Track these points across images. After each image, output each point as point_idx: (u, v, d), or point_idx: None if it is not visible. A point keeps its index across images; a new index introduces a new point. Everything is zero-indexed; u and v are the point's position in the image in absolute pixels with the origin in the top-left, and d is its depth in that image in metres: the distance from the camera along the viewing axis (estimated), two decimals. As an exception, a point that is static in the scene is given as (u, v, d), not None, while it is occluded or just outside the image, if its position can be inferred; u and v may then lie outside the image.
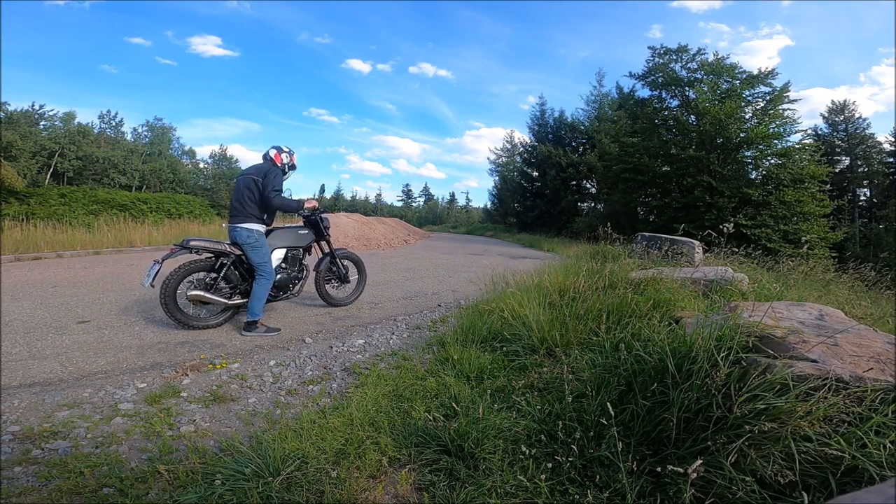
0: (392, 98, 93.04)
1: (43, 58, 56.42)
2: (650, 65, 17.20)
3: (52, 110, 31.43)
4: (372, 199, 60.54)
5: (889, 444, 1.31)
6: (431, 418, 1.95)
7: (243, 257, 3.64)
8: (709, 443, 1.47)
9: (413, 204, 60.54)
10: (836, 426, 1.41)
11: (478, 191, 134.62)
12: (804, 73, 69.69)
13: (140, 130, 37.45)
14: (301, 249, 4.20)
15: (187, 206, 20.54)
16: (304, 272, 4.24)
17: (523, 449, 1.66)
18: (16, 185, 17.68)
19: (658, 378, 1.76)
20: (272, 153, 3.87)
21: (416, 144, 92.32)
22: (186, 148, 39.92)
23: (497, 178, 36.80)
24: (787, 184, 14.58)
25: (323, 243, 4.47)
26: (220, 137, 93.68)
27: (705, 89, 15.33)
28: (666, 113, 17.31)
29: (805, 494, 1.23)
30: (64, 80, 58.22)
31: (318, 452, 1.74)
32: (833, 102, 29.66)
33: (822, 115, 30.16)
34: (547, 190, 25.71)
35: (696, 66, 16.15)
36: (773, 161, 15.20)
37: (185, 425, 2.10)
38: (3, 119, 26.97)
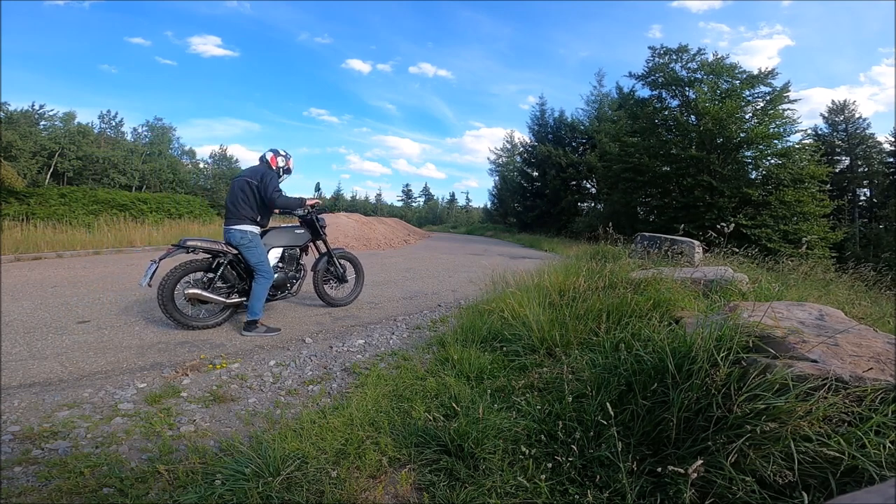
0: (392, 98, 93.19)
1: (43, 58, 56.49)
2: (650, 65, 17.21)
3: (52, 110, 31.47)
4: (372, 199, 60.63)
5: (889, 444, 1.31)
6: (431, 418, 1.95)
7: (240, 257, 3.65)
8: (709, 443, 1.47)
9: (413, 204, 60.60)
10: (836, 426, 1.41)
11: (478, 191, 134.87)
12: (804, 73, 69.78)
13: (140, 130, 37.49)
14: (298, 249, 4.20)
15: (187, 206, 20.54)
16: (302, 272, 4.24)
17: (523, 449, 1.66)
18: (16, 185, 17.69)
19: (658, 378, 1.76)
20: (268, 156, 3.90)
21: (416, 144, 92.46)
22: (186, 148, 39.97)
23: (497, 178, 36.86)
24: (787, 184, 14.58)
25: (320, 243, 4.47)
26: (220, 137, 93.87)
27: (705, 89, 15.33)
28: (666, 113, 17.30)
29: (805, 494, 1.23)
30: (64, 80, 58.31)
31: (318, 452, 1.74)
32: (833, 102, 29.69)
33: (822, 115, 30.21)
34: (547, 190, 25.72)
35: (696, 66, 16.16)
36: (773, 161, 15.20)
37: (185, 425, 2.10)
38: (3, 119, 26.97)
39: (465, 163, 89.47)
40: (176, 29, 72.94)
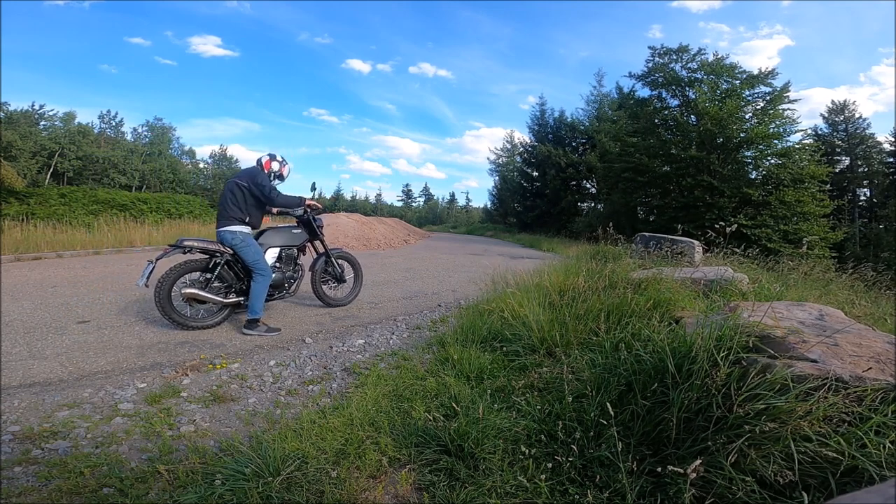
0: (392, 98, 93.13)
1: (43, 58, 56.60)
2: (650, 65, 17.22)
3: (52, 110, 31.53)
4: (372, 199, 60.62)
5: (889, 444, 1.31)
6: (431, 418, 1.95)
7: (237, 257, 3.66)
8: (709, 443, 1.47)
9: (413, 204, 60.58)
10: (836, 426, 1.40)
11: (478, 191, 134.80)
12: (804, 73, 69.74)
13: (140, 130, 37.56)
14: (295, 249, 4.21)
15: (187, 206, 20.52)
16: (300, 272, 4.24)
17: (523, 449, 1.66)
18: (16, 185, 17.69)
19: (658, 378, 1.76)
20: (264, 159, 3.93)
21: (416, 144, 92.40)
22: (186, 148, 40.06)
23: (497, 178, 36.87)
24: (788, 184, 14.59)
25: (317, 243, 4.47)
26: (220, 137, 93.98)
27: (705, 89, 15.34)
28: (666, 113, 17.31)
29: (805, 494, 1.23)
30: (64, 80, 58.41)
31: (318, 452, 1.74)
32: (833, 102, 29.71)
33: (822, 115, 30.22)
34: (547, 190, 25.72)
35: (696, 66, 16.17)
36: (773, 161, 15.21)
37: (185, 425, 2.10)
38: (3, 119, 26.99)
39: (465, 163, 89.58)
40: (176, 29, 73.09)
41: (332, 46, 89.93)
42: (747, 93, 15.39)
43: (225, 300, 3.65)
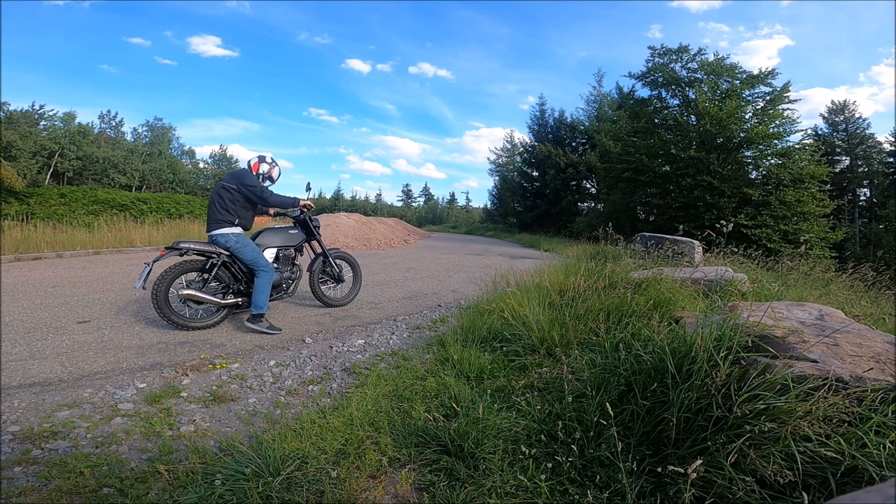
0: (392, 98, 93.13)
1: (43, 58, 56.69)
2: (650, 65, 17.18)
3: (52, 110, 31.55)
4: (372, 199, 60.55)
5: (889, 444, 1.31)
6: (431, 418, 1.95)
7: (235, 258, 3.67)
8: (709, 443, 1.47)
9: (413, 204, 60.54)
10: (836, 426, 1.41)
11: (478, 191, 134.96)
12: (804, 73, 69.87)
13: (140, 130, 37.61)
14: (292, 249, 4.21)
15: (187, 206, 20.50)
16: (298, 272, 4.24)
17: (523, 449, 1.66)
18: (16, 185, 17.70)
19: (658, 378, 1.76)
20: (253, 161, 3.94)
21: (416, 144, 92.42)
22: (186, 148, 40.12)
23: (497, 178, 36.85)
24: (787, 184, 14.57)
25: (314, 243, 4.47)
26: (220, 137, 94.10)
27: (705, 89, 15.32)
28: (666, 113, 17.30)
29: (805, 494, 1.23)
30: (64, 80, 58.49)
31: (318, 452, 1.74)
32: (833, 102, 29.76)
33: (822, 115, 30.27)
34: (547, 190, 25.72)
35: (696, 66, 16.14)
36: (773, 161, 15.20)
37: (185, 425, 2.10)
38: (3, 119, 26.98)
39: (465, 163, 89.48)
40: (176, 29, 73.02)
41: (332, 46, 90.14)
42: (747, 93, 15.38)
43: (222, 301, 3.65)
